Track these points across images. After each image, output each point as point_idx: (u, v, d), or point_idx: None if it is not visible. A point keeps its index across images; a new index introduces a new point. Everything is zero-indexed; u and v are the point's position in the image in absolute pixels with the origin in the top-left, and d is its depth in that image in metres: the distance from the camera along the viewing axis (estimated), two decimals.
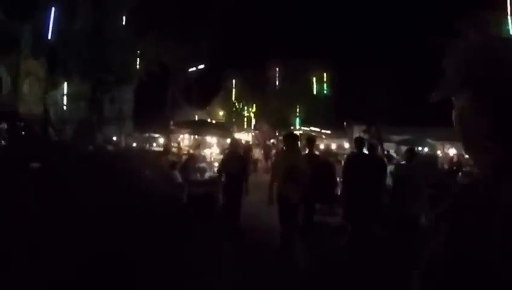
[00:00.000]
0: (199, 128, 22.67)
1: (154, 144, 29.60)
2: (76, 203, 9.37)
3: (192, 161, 16.46)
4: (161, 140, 28.81)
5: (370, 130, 22.33)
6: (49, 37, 24.32)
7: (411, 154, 10.72)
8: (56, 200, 9.44)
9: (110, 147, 22.33)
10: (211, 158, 20.66)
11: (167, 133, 26.31)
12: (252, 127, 47.69)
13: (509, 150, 1.08)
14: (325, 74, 47.30)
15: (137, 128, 32.17)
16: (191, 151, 22.26)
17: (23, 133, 18.49)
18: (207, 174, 15.34)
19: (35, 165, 13.05)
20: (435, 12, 28.53)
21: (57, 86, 26.00)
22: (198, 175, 15.41)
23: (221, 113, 47.67)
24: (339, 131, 38.78)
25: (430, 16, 30.64)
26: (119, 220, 9.20)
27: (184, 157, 18.53)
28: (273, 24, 41.09)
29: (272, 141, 38.73)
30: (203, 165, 17.15)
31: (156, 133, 29.35)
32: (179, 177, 14.25)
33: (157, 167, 15.22)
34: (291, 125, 44.32)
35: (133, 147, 27.18)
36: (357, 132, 26.61)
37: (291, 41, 42.32)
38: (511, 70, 1.09)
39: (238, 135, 33.05)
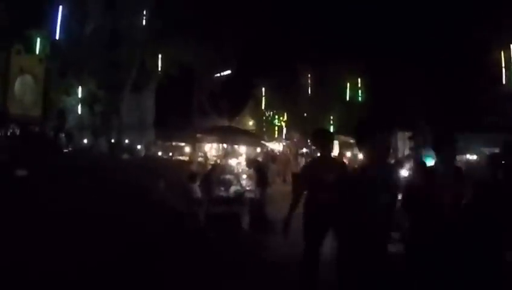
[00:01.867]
0: (227, 135, 20.47)
1: (180, 153, 27.83)
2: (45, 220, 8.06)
3: (216, 172, 14.20)
4: (187, 149, 27.39)
5: (417, 137, 20.20)
6: (57, 37, 22.48)
7: None
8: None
9: (125, 156, 20.31)
10: (238, 169, 18.36)
11: (193, 141, 24.17)
12: (283, 136, 46.04)
13: None
14: (359, 79, 44.72)
15: (159, 136, 30.12)
16: (218, 161, 20.22)
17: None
18: (232, 189, 12.98)
19: (22, 173, 11.09)
20: (473, 13, 26.27)
21: (68, 90, 24.02)
22: (222, 189, 13.09)
23: (250, 123, 45.75)
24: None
25: (468, 17, 28.20)
26: (105, 245, 7.58)
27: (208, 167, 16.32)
28: (304, 27, 38.69)
29: (304, 150, 36.41)
30: (228, 177, 14.86)
31: (181, 141, 27.26)
32: (197, 192, 12.10)
33: (175, 179, 13.08)
34: None
35: (153, 156, 25.13)
36: (401, 138, 24.37)
37: (322, 45, 39.93)
38: None
39: (269, 145, 31.24)
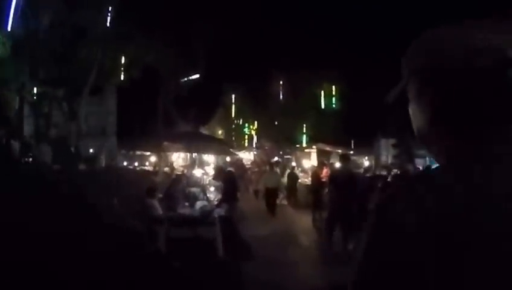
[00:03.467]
0: (194, 142, 18.64)
1: (147, 163, 25.92)
2: None
3: (180, 184, 12.32)
4: (153, 158, 25.36)
5: (400, 145, 19.08)
6: (9, 29, 20.35)
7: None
8: None
9: (81, 167, 18.32)
10: (204, 181, 16.52)
11: (158, 150, 22.24)
12: (254, 145, 44.61)
13: (458, 136, 1.06)
14: (334, 86, 43.31)
15: (122, 144, 28.03)
16: (185, 171, 18.42)
17: None
18: (198, 205, 11.02)
19: None
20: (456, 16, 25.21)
21: (21, 90, 21.82)
22: (187, 205, 11.20)
23: (219, 131, 44.27)
24: (351, 148, 34.79)
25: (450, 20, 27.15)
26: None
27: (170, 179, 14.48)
28: (276, 31, 37.34)
29: (275, 159, 34.67)
30: (194, 190, 12.99)
31: (145, 150, 25.30)
32: (158, 208, 10.26)
33: (136, 193, 11.39)
34: (297, 143, 41.04)
35: (113, 167, 23.09)
36: (385, 146, 23.13)
37: (295, 50, 38.60)
38: (452, 61, 1.06)
39: (238, 154, 29.63)
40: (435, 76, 1.08)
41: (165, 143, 20.85)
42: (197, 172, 17.44)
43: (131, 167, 25.32)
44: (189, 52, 29.32)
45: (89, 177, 15.40)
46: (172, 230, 8.94)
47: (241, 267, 8.54)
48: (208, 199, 12.06)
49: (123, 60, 24.49)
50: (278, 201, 17.80)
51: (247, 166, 28.44)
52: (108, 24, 23.59)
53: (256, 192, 21.05)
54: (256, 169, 26.81)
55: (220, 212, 10.03)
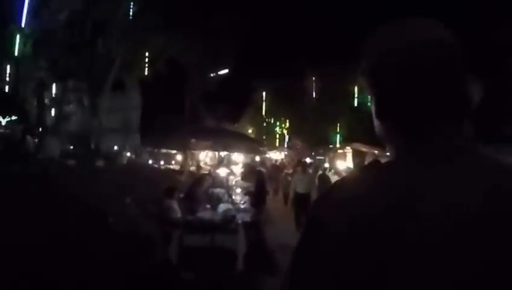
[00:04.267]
0: (221, 139, 17.38)
1: (173, 162, 25.14)
2: None
3: (202, 184, 11.03)
4: (178, 156, 24.37)
5: None
6: (23, 24, 19.48)
7: None
8: None
9: (100, 163, 17.27)
10: (230, 181, 15.18)
11: (184, 148, 21.07)
12: (285, 145, 43.35)
13: (404, 134, 1.06)
14: None
15: (145, 141, 26.95)
16: (211, 170, 17.11)
17: None
18: (221, 207, 9.69)
19: None
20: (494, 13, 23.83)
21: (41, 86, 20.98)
22: (208, 207, 9.90)
23: (250, 130, 42.88)
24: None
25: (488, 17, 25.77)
26: None
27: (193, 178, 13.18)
28: (309, 26, 36.08)
29: (307, 160, 33.18)
30: (218, 191, 11.69)
31: (170, 147, 24.18)
32: (177, 210, 9.01)
33: (152, 194, 10.27)
34: (330, 143, 39.27)
35: (135, 164, 22.03)
36: None
37: (329, 46, 37.05)
38: (395, 54, 1.06)
39: (269, 154, 28.28)
40: (379, 71, 1.07)
41: (193, 140, 19.78)
42: (223, 171, 16.07)
43: (156, 165, 24.23)
44: (217, 45, 28.10)
45: (103, 174, 14.35)
46: (188, 237, 7.60)
47: (262, 282, 7.27)
48: (232, 202, 10.75)
49: (146, 54, 23.40)
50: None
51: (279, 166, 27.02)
52: (130, 17, 22.54)
53: (285, 196, 19.26)
54: (290, 170, 25.24)
55: (244, 217, 8.71)
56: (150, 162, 25.08)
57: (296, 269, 1.04)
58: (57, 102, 22.37)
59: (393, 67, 1.03)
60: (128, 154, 25.29)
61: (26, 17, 19.94)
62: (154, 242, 7.78)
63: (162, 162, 25.52)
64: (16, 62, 20.83)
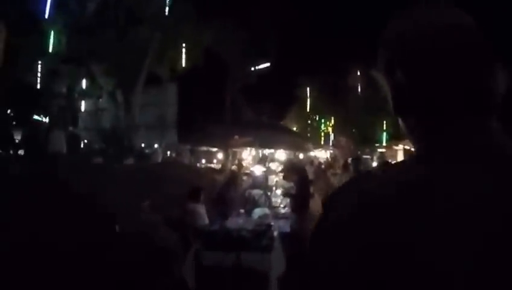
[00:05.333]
0: (262, 133, 16.14)
1: (214, 161, 23.88)
2: None
3: (235, 185, 9.57)
4: (218, 155, 23.20)
5: None
6: (46, 16, 18.45)
7: None
8: None
9: (129, 161, 16.50)
10: (271, 181, 13.65)
11: (225, 146, 19.84)
12: (331, 143, 41.68)
13: (424, 129, 1.00)
14: None
15: (182, 138, 25.70)
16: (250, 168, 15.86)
17: None
18: (257, 213, 8.13)
19: None
20: None
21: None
22: (242, 212, 8.39)
23: (294, 128, 41.48)
24: None
25: None
26: None
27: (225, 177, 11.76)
28: (354, 18, 34.69)
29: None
30: (255, 193, 10.18)
31: (209, 145, 22.97)
32: (203, 216, 7.65)
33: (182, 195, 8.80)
34: (376, 142, 37.85)
35: (169, 163, 21.03)
36: None
37: (374, 39, 35.53)
38: (419, 40, 0.99)
39: (314, 153, 26.82)
40: (398, 60, 1.02)
41: (236, 137, 18.69)
42: (260, 170, 14.54)
43: (194, 164, 22.99)
44: (257, 37, 26.82)
45: (130, 173, 13.10)
46: (207, 253, 5.98)
47: None
48: (270, 205, 9.20)
49: (183, 45, 22.22)
50: None
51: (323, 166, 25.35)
52: (164, 5, 21.37)
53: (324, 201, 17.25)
54: (337, 170, 23.33)
55: (283, 226, 7.11)
56: (190, 160, 23.92)
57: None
58: (87, 96, 21.46)
59: (413, 56, 0.97)
60: (168, 152, 24.10)
61: (50, 7, 18.82)
62: (169, 256, 6.32)
63: (203, 161, 24.34)
64: (47, 58, 19.90)
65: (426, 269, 0.77)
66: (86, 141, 21.48)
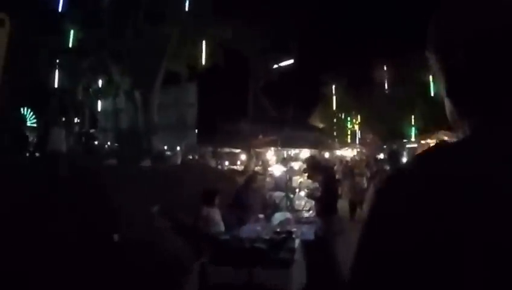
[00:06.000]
0: (287, 133, 15.46)
1: (238, 162, 23.14)
2: None
3: (253, 186, 8.79)
4: (238, 155, 22.87)
5: None
6: (60, 9, 18.00)
7: None
8: None
9: (146, 163, 16.07)
10: (294, 181, 12.84)
11: (248, 146, 19.21)
12: (357, 141, 41.33)
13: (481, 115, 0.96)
14: None
15: (202, 139, 25.13)
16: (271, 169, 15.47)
17: None
18: (277, 217, 7.29)
19: None
20: None
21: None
22: (262, 217, 7.58)
23: (320, 126, 40.90)
24: None
25: None
26: None
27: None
28: (377, 12, 34.10)
29: (379, 156, 30.49)
30: (277, 195, 9.37)
31: (231, 146, 22.40)
32: (218, 222, 6.91)
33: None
34: (404, 137, 36.84)
35: (189, 165, 20.43)
36: None
37: (400, 32, 34.69)
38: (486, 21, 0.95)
39: (340, 152, 26.29)
40: (454, 42, 0.98)
41: (260, 136, 17.92)
42: (280, 169, 13.77)
43: (217, 166, 22.41)
44: (279, 33, 26.14)
45: (145, 176, 12.49)
46: (215, 267, 5.10)
47: None
48: (293, 208, 8.36)
49: (203, 43, 21.61)
50: None
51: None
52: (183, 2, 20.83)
53: (352, 204, 15.58)
54: (364, 170, 22.13)
55: (306, 233, 6.24)
56: (212, 162, 23.40)
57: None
58: (104, 95, 21.04)
59: (479, 36, 0.92)
60: (190, 156, 23.63)
61: (67, 4, 18.44)
62: (174, 269, 5.56)
63: (226, 163, 23.79)
64: (65, 56, 19.55)
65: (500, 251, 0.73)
66: (99, 142, 21.20)
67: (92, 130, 21.03)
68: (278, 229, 6.29)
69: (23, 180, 6.87)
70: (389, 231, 0.84)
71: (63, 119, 19.45)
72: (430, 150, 0.99)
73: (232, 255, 5.06)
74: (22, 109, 20.97)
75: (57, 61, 19.88)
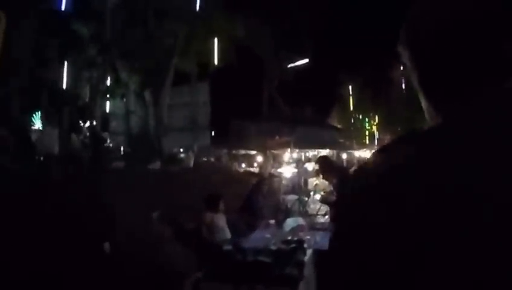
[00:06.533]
0: (302, 133, 14.81)
1: (255, 164, 22.40)
2: None
3: (264, 189, 8.17)
4: (255, 157, 21.98)
5: None
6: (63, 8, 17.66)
7: None
8: None
9: (155, 165, 15.75)
10: (310, 184, 12.16)
11: (263, 148, 19.27)
12: (375, 142, 40.22)
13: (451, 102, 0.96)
14: None
15: (216, 141, 24.61)
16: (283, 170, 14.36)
17: None
18: (289, 223, 6.62)
19: None
20: None
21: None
22: (272, 223, 6.92)
23: (338, 127, 40.58)
24: None
25: None
26: None
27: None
28: (393, 11, 33.39)
29: None
30: (290, 198, 8.73)
31: (245, 148, 21.92)
32: (223, 228, 6.29)
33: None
34: None
35: (202, 167, 19.92)
36: None
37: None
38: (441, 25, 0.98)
39: (358, 153, 26.25)
40: (425, 29, 1.00)
41: (276, 138, 18.38)
42: (291, 171, 13.22)
43: (232, 169, 21.92)
44: (293, 31, 25.65)
45: (152, 179, 11.99)
46: (207, 286, 4.36)
47: None
48: (306, 213, 7.71)
49: (215, 41, 21.14)
50: None
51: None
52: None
53: None
54: None
55: (320, 242, 5.51)
56: (228, 164, 22.91)
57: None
58: (112, 95, 20.65)
59: (437, 26, 0.95)
60: (204, 158, 23.16)
61: (74, 2, 18.12)
62: (170, 280, 4.94)
63: (243, 165, 23.30)
64: (73, 56, 19.25)
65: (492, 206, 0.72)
66: (108, 143, 20.83)
67: (104, 133, 20.57)
68: (289, 237, 5.62)
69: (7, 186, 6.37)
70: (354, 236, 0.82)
71: (61, 119, 19.11)
72: (392, 145, 0.95)
73: (231, 270, 4.38)
74: (30, 112, 20.68)
75: (65, 62, 19.55)
